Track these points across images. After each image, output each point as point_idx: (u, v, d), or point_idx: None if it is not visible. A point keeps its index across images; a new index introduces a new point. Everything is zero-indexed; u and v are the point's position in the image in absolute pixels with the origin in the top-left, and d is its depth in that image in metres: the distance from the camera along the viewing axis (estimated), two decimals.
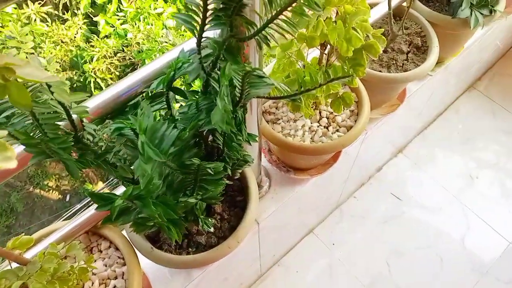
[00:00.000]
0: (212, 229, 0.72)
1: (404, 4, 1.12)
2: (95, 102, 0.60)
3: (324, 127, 0.96)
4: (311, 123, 0.97)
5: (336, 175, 1.34)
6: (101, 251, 0.84)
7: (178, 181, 0.62)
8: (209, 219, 0.72)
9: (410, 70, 1.05)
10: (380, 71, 1.04)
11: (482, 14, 1.07)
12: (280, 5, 0.49)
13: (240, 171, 0.82)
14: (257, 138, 0.79)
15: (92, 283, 0.79)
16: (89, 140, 0.56)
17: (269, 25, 0.52)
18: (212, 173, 0.60)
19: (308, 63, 0.83)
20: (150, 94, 0.63)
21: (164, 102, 0.67)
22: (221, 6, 0.51)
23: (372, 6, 1.10)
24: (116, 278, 0.81)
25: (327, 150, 0.91)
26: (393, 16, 1.09)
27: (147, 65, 0.63)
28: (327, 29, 0.72)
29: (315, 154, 0.94)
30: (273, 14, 0.51)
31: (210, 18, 0.53)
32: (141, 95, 0.66)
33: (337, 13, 0.73)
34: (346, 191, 1.70)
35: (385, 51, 1.08)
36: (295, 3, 0.49)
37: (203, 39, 0.56)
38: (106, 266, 0.82)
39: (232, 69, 0.51)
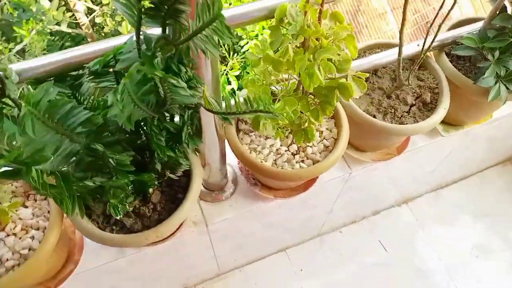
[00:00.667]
0: (119, 217, 0.72)
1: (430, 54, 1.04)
2: (33, 63, 0.61)
3: (292, 153, 0.93)
4: (281, 145, 0.93)
5: (311, 204, 1.29)
6: (35, 201, 0.87)
7: (88, 161, 0.62)
8: (121, 207, 0.72)
9: (406, 124, 0.97)
10: (374, 116, 0.98)
11: (508, 88, 0.96)
12: (204, 20, 0.47)
13: (180, 170, 0.82)
14: (198, 144, 0.77)
15: (15, 226, 0.83)
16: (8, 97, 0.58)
17: (198, 36, 0.50)
18: (113, 163, 0.59)
19: (282, 88, 0.80)
20: (95, 70, 0.64)
21: (114, 82, 0.68)
22: (152, 5, 0.50)
23: (391, 46, 1.04)
24: (38, 229, 0.84)
25: (280, 177, 0.88)
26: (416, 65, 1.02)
27: (96, 43, 0.64)
28: (294, 57, 0.68)
29: (269, 177, 0.90)
30: (199, 26, 0.49)
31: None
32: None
33: (304, 45, 0.68)
34: (331, 223, 1.64)
35: (388, 97, 1.01)
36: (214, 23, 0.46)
37: (141, 33, 0.56)
38: (33, 216, 0.85)
39: (145, 70, 0.50)
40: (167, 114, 0.69)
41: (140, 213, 0.85)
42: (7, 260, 0.79)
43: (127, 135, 0.67)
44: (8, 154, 0.51)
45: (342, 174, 1.16)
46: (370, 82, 1.03)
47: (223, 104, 0.60)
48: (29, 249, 0.81)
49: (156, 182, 0.85)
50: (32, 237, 0.82)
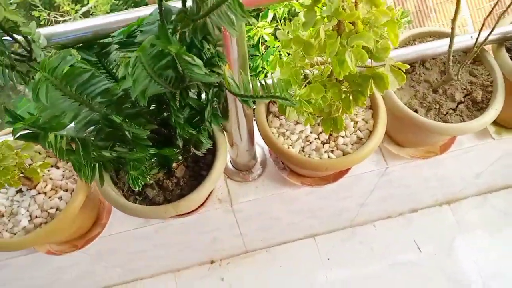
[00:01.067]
0: (137, 189, 0.73)
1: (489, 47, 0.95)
2: (61, 28, 0.62)
3: (322, 142, 0.89)
4: (311, 132, 0.90)
5: (341, 195, 1.25)
6: (67, 163, 0.91)
7: (107, 131, 0.63)
8: (142, 179, 0.73)
9: (450, 122, 0.90)
10: (416, 110, 0.91)
11: None
12: None
13: (203, 147, 0.81)
14: (221, 123, 0.76)
15: (46, 185, 0.87)
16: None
17: (214, 12, 0.48)
18: (129, 136, 0.60)
19: (314, 72, 0.76)
20: (119, 40, 0.63)
21: None
22: None
23: (444, 36, 0.96)
24: (66, 190, 0.87)
25: (306, 165, 0.85)
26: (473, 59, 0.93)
27: (125, 12, 0.63)
28: (326, 41, 0.63)
29: (294, 164, 0.88)
30: (215, 2, 0.46)
31: None
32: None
33: (338, 28, 0.64)
34: (364, 215, 1.59)
35: (434, 91, 0.93)
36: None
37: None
38: (63, 177, 0.89)
39: (158, 44, 0.49)
40: (192, 90, 0.68)
41: (163, 186, 0.86)
42: (36, 217, 0.83)
43: (150, 108, 0.67)
44: (26, 118, 0.52)
45: (378, 168, 1.11)
46: (416, 73, 0.96)
47: (250, 86, 0.57)
48: (56, 209, 0.85)
49: (180, 157, 0.85)
50: (60, 198, 0.86)
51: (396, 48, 0.96)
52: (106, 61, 0.69)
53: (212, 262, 1.63)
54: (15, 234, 0.83)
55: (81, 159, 0.60)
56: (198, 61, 0.51)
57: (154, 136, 0.75)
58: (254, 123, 0.90)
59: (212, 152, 0.88)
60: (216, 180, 0.84)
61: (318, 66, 0.78)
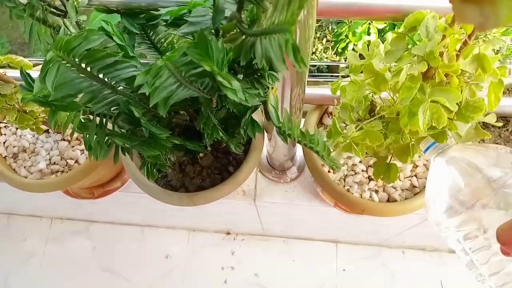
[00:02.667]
0: (148, 178, 0.67)
1: None
2: None
3: (368, 177, 0.77)
4: (360, 161, 0.78)
5: (376, 223, 1.13)
6: None
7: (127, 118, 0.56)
8: (159, 165, 0.66)
9: None
10: None
11: None
12: (274, 22, 0.34)
13: (238, 147, 0.73)
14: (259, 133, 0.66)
15: (71, 132, 0.83)
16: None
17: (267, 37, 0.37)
18: (146, 134, 0.52)
19: (384, 105, 0.63)
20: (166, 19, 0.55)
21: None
22: None
23: None
24: None
25: (340, 198, 0.75)
26: None
27: None
28: (403, 84, 0.51)
29: (328, 192, 0.77)
30: (267, 26, 0.35)
31: None
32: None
33: (427, 72, 0.50)
34: (396, 240, 1.47)
35: None
36: None
37: None
38: None
39: (192, 57, 0.39)
40: None
41: (185, 171, 0.80)
42: (54, 163, 0.81)
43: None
44: (36, 91, 0.46)
45: (422, 212, 0.97)
46: (507, 130, 0.79)
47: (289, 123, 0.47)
48: (76, 161, 0.82)
49: (208, 148, 0.78)
50: (82, 151, 0.83)
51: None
52: (152, 32, 0.61)
53: (228, 233, 1.61)
54: (31, 173, 0.81)
55: (92, 139, 0.54)
56: (235, 85, 0.41)
57: (179, 127, 0.68)
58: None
59: (246, 149, 0.80)
60: (239, 183, 0.77)
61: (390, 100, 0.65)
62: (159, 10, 0.56)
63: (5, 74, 0.67)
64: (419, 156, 0.79)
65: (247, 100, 0.44)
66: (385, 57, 0.53)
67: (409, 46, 0.52)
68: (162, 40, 0.62)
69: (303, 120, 0.82)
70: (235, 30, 0.42)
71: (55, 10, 0.53)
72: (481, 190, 0.52)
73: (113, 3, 0.56)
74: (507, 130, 0.79)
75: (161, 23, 0.59)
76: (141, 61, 0.59)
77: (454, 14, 0.40)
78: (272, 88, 0.49)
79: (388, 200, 0.76)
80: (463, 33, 0.44)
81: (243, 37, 0.40)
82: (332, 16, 0.56)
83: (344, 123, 0.65)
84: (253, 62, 0.48)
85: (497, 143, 0.79)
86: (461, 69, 0.48)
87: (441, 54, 0.47)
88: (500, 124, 0.59)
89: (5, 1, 0.45)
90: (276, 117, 0.47)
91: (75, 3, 0.51)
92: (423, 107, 0.49)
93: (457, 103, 0.53)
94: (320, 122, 0.83)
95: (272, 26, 0.33)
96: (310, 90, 0.76)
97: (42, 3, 0.51)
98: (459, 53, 0.46)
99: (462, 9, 0.21)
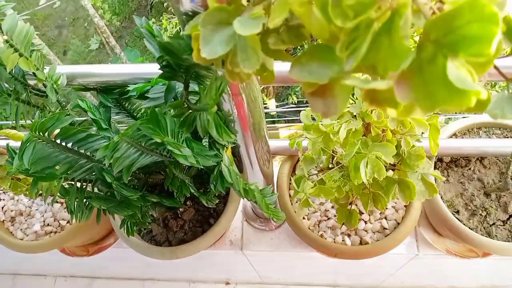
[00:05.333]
0: (129, 236, 0.72)
1: None
2: (81, 70, 0.62)
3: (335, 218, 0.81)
4: (332, 207, 0.83)
5: (366, 264, 1.15)
6: None
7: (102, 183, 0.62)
8: (140, 222, 0.72)
9: (495, 236, 0.77)
10: (457, 211, 0.80)
11: None
12: (203, 102, 0.40)
13: (211, 201, 0.78)
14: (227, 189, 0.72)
15: None
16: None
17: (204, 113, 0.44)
18: (117, 197, 0.58)
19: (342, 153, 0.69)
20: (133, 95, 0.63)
21: None
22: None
23: None
24: None
25: (314, 244, 0.78)
26: None
27: (142, 64, 0.62)
28: (348, 139, 0.56)
29: (303, 239, 0.81)
30: (202, 105, 0.42)
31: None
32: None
33: (367, 127, 0.56)
34: (394, 282, 1.46)
35: (486, 194, 0.81)
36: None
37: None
38: None
39: (145, 132, 0.46)
40: None
41: (168, 226, 0.85)
42: (48, 225, 0.87)
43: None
44: (14, 167, 0.52)
45: (407, 253, 1.00)
46: (469, 169, 0.83)
47: (239, 181, 0.53)
48: (68, 222, 0.87)
49: (188, 203, 0.84)
50: None
51: (452, 138, 0.85)
52: (127, 104, 0.68)
53: (227, 283, 1.62)
54: (27, 235, 0.87)
55: (73, 203, 0.60)
56: (186, 151, 0.47)
57: (158, 185, 0.74)
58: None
59: (226, 201, 0.85)
60: (218, 235, 0.81)
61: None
62: (129, 86, 0.64)
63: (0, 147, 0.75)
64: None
65: (199, 163, 0.50)
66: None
67: (348, 105, 0.58)
68: (137, 109, 0.70)
69: (277, 170, 0.87)
70: (184, 105, 0.48)
71: (38, 92, 0.61)
72: None
73: (91, 83, 0.64)
74: (469, 169, 0.84)
75: (133, 96, 0.67)
76: (120, 127, 0.66)
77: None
78: (227, 149, 0.55)
79: (360, 243, 0.79)
80: None
81: (189, 112, 0.47)
82: (276, 84, 0.63)
83: (309, 173, 0.70)
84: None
85: (461, 182, 0.83)
86: (391, 127, 0.54)
87: (371, 112, 0.53)
88: (443, 179, 0.63)
89: None
90: (229, 175, 0.52)
91: (55, 85, 0.59)
92: (364, 161, 0.54)
93: (401, 154, 0.59)
94: (293, 172, 0.88)
95: (202, 105, 0.40)
96: (278, 142, 0.83)
97: (26, 87, 0.59)
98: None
99: (311, 101, 0.27)
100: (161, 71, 0.43)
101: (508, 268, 1.23)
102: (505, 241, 0.76)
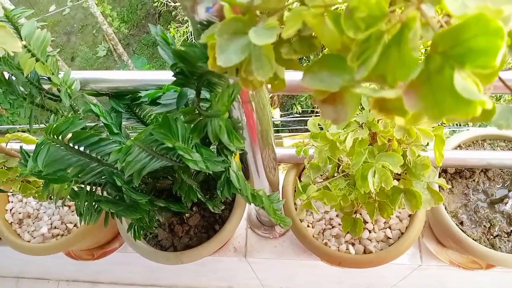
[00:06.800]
0: (136, 240, 0.73)
1: None
2: (95, 75, 0.63)
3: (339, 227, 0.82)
4: (336, 215, 0.84)
5: (367, 275, 1.15)
6: None
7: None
8: (146, 226, 0.73)
9: (499, 248, 0.77)
10: (461, 222, 0.80)
11: None
12: (215, 108, 0.42)
13: (217, 207, 0.79)
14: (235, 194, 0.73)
15: None
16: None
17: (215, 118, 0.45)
18: (127, 201, 0.59)
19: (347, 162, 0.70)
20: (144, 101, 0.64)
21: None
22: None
23: None
24: None
25: (317, 252, 0.79)
26: None
27: (153, 71, 0.63)
28: (353, 148, 0.57)
29: (306, 246, 0.82)
30: (213, 111, 0.43)
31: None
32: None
33: (373, 136, 0.57)
34: None
35: (490, 206, 0.81)
36: None
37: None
38: None
39: (157, 136, 0.47)
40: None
41: (174, 231, 0.86)
42: (55, 227, 0.88)
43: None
44: (27, 169, 0.54)
45: (410, 263, 1.00)
46: (473, 180, 0.84)
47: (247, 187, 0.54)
48: (75, 225, 0.88)
49: (194, 208, 0.85)
50: None
51: (456, 149, 0.85)
52: (138, 109, 0.70)
53: None
54: (34, 238, 0.88)
55: (83, 206, 0.62)
56: (196, 156, 0.48)
57: (166, 190, 0.75)
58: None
59: (231, 208, 0.86)
60: (223, 241, 0.82)
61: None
62: (141, 92, 0.65)
63: (11, 150, 0.76)
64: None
65: (208, 168, 0.51)
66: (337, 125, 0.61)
67: (355, 115, 0.59)
68: (148, 114, 0.71)
69: (282, 178, 0.88)
70: (195, 112, 0.50)
71: (52, 96, 0.62)
72: None
73: (103, 88, 0.65)
74: (473, 180, 0.84)
75: (144, 102, 0.68)
76: (130, 133, 0.68)
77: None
78: (235, 155, 0.57)
79: (364, 252, 0.80)
80: None
81: (200, 118, 0.48)
82: (286, 93, 0.64)
83: (314, 180, 0.71)
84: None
85: (465, 194, 0.83)
86: (398, 137, 0.55)
87: (378, 121, 0.55)
88: (448, 187, 0.64)
89: (9, 95, 0.55)
90: (237, 181, 0.53)
91: (69, 90, 0.60)
92: (371, 171, 0.55)
93: (407, 164, 0.60)
94: (299, 180, 0.89)
95: (214, 111, 0.41)
96: (284, 151, 0.84)
97: (41, 91, 0.61)
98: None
99: (322, 108, 0.28)
100: (173, 78, 0.45)
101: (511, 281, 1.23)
102: (509, 253, 0.77)
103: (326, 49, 0.28)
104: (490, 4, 0.20)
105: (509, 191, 0.75)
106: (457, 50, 0.21)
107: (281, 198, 0.86)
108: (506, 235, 0.79)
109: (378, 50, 0.23)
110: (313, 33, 0.29)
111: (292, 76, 0.58)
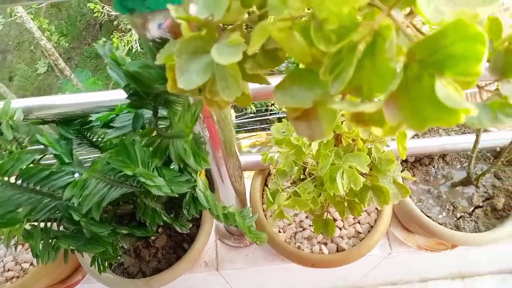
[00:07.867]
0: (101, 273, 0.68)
1: None
2: (39, 102, 0.58)
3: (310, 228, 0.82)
4: (306, 217, 0.83)
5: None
6: None
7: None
8: (111, 258, 0.68)
9: (462, 228, 0.80)
10: (425, 208, 0.82)
11: None
12: (178, 128, 0.39)
13: (184, 226, 0.76)
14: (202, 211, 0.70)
15: None
16: None
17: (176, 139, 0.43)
18: (87, 235, 0.55)
19: (312, 165, 0.69)
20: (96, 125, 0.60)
21: None
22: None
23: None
24: None
25: (292, 257, 0.78)
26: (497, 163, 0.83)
27: (102, 92, 0.59)
28: (321, 151, 0.57)
29: (279, 252, 0.81)
30: (174, 131, 0.40)
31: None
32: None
33: (337, 138, 0.57)
34: (369, 280, 1.49)
35: (451, 190, 0.84)
36: None
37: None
38: None
39: (114, 165, 0.44)
40: None
41: (140, 256, 0.81)
42: (9, 270, 0.81)
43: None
44: None
45: (380, 253, 1.02)
46: (433, 166, 0.87)
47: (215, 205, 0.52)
48: (31, 264, 0.82)
49: (159, 230, 0.81)
50: None
51: (414, 138, 0.88)
52: (89, 134, 0.65)
53: None
54: None
55: (38, 246, 0.56)
56: (159, 181, 0.45)
57: (128, 215, 0.71)
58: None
59: (199, 224, 0.83)
60: (193, 260, 0.79)
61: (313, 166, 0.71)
62: (91, 116, 0.61)
63: None
64: None
65: (173, 191, 0.48)
66: None
67: None
68: (100, 138, 0.66)
69: (248, 185, 0.86)
70: (154, 133, 0.47)
71: None
72: None
73: (49, 115, 0.60)
74: (433, 166, 0.87)
75: (96, 126, 0.64)
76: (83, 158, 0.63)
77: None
78: (200, 173, 0.54)
79: (337, 250, 0.80)
80: None
81: (159, 140, 0.45)
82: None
83: (282, 186, 0.69)
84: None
85: (426, 180, 0.86)
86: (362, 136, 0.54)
87: (342, 123, 0.54)
88: (413, 179, 0.65)
89: None
90: (205, 200, 0.51)
91: (11, 121, 0.55)
92: (340, 172, 0.55)
93: (372, 160, 0.60)
94: (265, 185, 0.87)
95: (175, 132, 0.39)
96: (248, 158, 0.82)
97: None
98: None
99: (296, 125, 0.26)
100: (125, 97, 0.41)
101: (474, 256, 1.29)
102: (472, 232, 0.80)
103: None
104: (466, 8, 0.19)
105: (467, 173, 0.77)
106: (434, 57, 0.20)
107: (248, 204, 0.84)
108: (468, 215, 0.82)
109: (353, 63, 0.22)
110: (277, 46, 0.28)
111: (253, 85, 0.56)
